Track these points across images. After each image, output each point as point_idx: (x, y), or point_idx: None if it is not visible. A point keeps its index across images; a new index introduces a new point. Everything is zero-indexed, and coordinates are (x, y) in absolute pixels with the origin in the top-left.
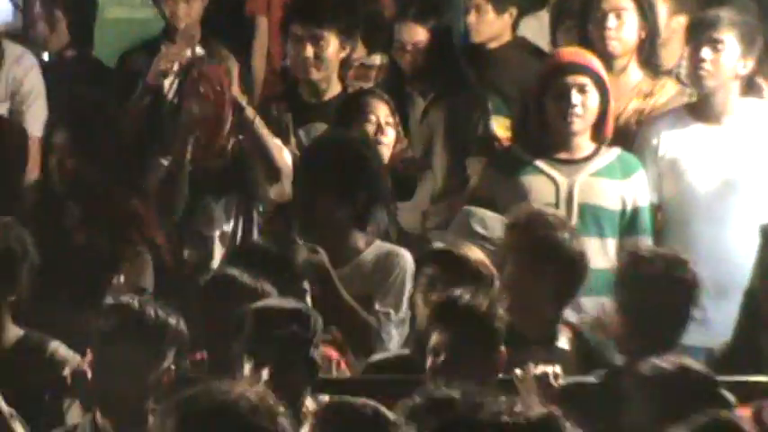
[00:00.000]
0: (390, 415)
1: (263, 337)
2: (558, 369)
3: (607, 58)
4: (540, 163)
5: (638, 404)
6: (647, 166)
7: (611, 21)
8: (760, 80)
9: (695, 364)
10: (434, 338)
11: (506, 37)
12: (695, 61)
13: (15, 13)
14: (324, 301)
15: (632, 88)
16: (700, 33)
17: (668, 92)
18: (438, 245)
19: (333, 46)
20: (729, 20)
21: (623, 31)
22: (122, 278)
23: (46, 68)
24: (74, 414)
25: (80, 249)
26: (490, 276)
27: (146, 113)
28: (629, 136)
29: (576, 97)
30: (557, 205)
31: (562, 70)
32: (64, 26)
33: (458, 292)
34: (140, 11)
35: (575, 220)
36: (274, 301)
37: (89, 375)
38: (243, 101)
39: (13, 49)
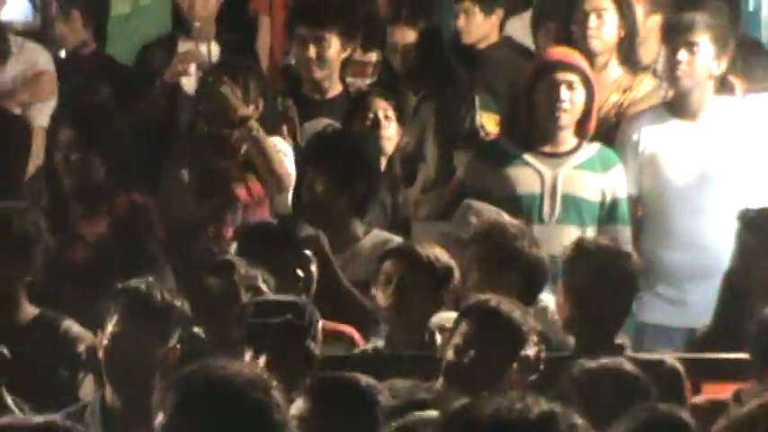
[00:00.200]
0: (381, 388)
1: (260, 327)
2: (542, 352)
3: (589, 56)
4: (526, 156)
5: (574, 404)
6: (628, 160)
7: (593, 21)
8: (732, 78)
9: (626, 365)
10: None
11: (494, 37)
12: (672, 63)
13: (34, 12)
14: (322, 284)
15: (612, 83)
16: (676, 36)
17: (645, 86)
18: (396, 243)
19: (335, 47)
20: (704, 23)
21: (604, 30)
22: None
23: (61, 65)
24: (86, 388)
25: (86, 244)
26: (445, 270)
27: (161, 112)
28: (609, 128)
29: (564, 93)
30: (542, 196)
31: (552, 68)
32: (80, 24)
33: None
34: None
35: (558, 209)
36: (273, 295)
37: (100, 354)
38: (248, 112)
39: (27, 45)
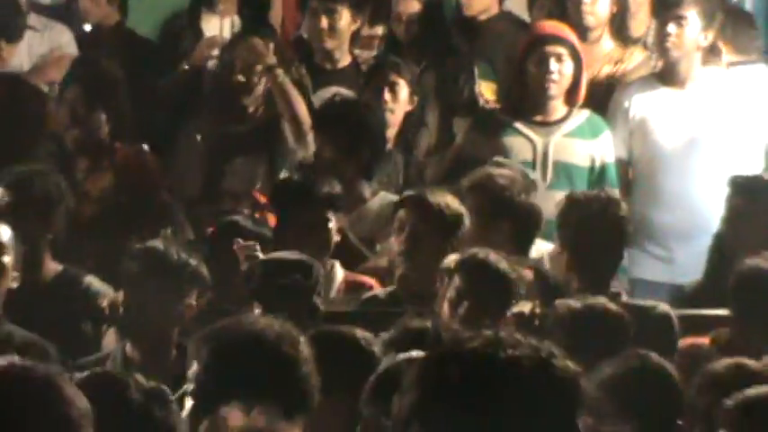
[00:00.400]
0: (375, 341)
1: (270, 286)
2: (537, 308)
3: (583, 30)
4: (519, 125)
5: (560, 342)
6: (619, 126)
7: None
8: (720, 44)
9: (609, 304)
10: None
11: (494, 10)
12: (662, 35)
13: None
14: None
15: (605, 56)
16: (666, 10)
17: (636, 58)
18: (409, 192)
19: (345, 18)
20: None
21: (597, 5)
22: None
23: (84, 39)
24: (109, 340)
25: (91, 199)
26: (454, 217)
27: (184, 88)
28: (602, 97)
29: (553, 65)
30: (533, 163)
31: (543, 41)
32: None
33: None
34: None
35: (550, 175)
36: (279, 253)
37: (121, 310)
38: (274, 61)
39: (52, 26)
